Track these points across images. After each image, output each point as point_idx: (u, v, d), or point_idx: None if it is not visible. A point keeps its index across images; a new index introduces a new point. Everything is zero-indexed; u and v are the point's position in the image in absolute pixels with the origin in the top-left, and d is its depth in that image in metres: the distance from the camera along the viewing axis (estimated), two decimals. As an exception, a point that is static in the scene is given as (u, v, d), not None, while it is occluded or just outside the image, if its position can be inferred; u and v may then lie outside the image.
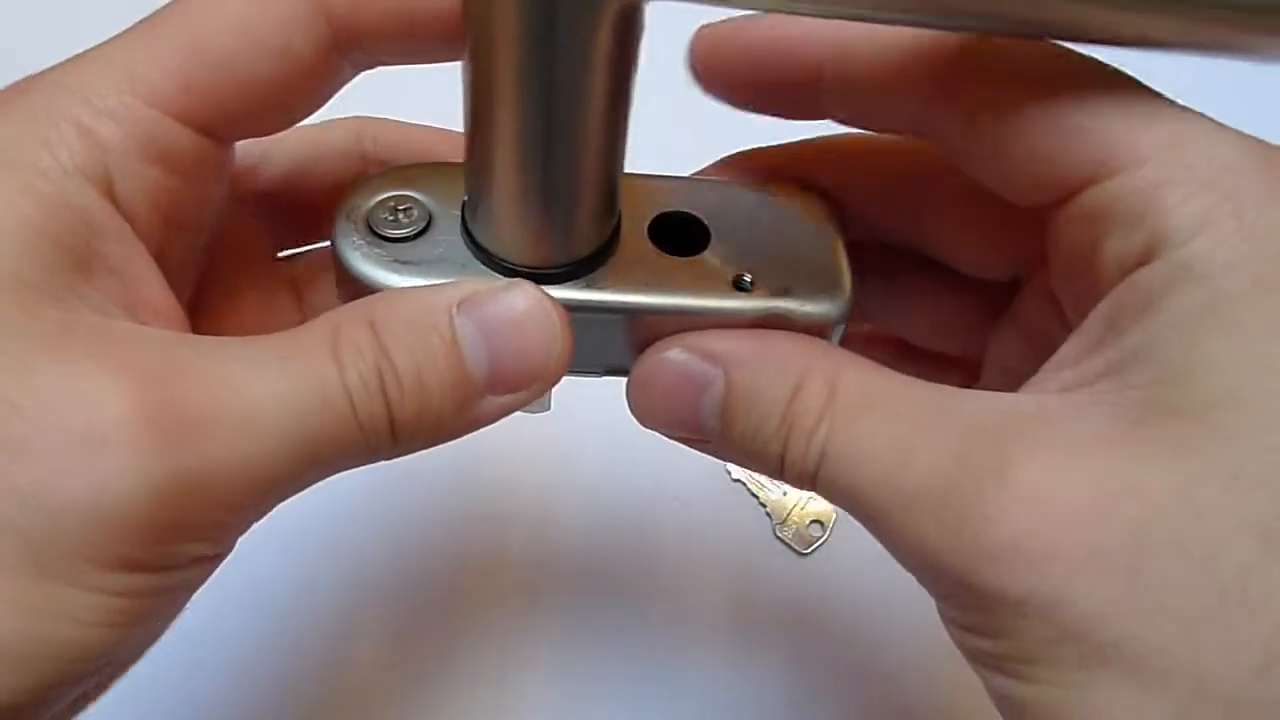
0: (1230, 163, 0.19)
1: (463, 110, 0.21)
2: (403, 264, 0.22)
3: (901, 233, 0.26)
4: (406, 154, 0.24)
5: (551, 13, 0.18)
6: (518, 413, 0.26)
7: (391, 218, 0.23)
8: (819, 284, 0.23)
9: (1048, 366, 0.21)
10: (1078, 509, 0.18)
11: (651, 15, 0.19)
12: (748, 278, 0.23)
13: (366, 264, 0.22)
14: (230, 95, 0.20)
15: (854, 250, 0.25)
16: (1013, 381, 0.22)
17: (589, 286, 0.22)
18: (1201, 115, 0.20)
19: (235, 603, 0.38)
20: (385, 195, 0.23)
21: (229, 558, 0.21)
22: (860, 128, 0.24)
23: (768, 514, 0.41)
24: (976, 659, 0.20)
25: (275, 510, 0.20)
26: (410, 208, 0.23)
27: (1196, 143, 0.19)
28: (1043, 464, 0.18)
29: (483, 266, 0.22)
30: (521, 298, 0.21)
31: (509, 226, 0.22)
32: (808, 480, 0.21)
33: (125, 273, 0.20)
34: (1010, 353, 0.26)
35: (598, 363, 0.24)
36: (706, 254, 0.23)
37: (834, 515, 0.40)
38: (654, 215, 0.24)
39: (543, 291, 0.21)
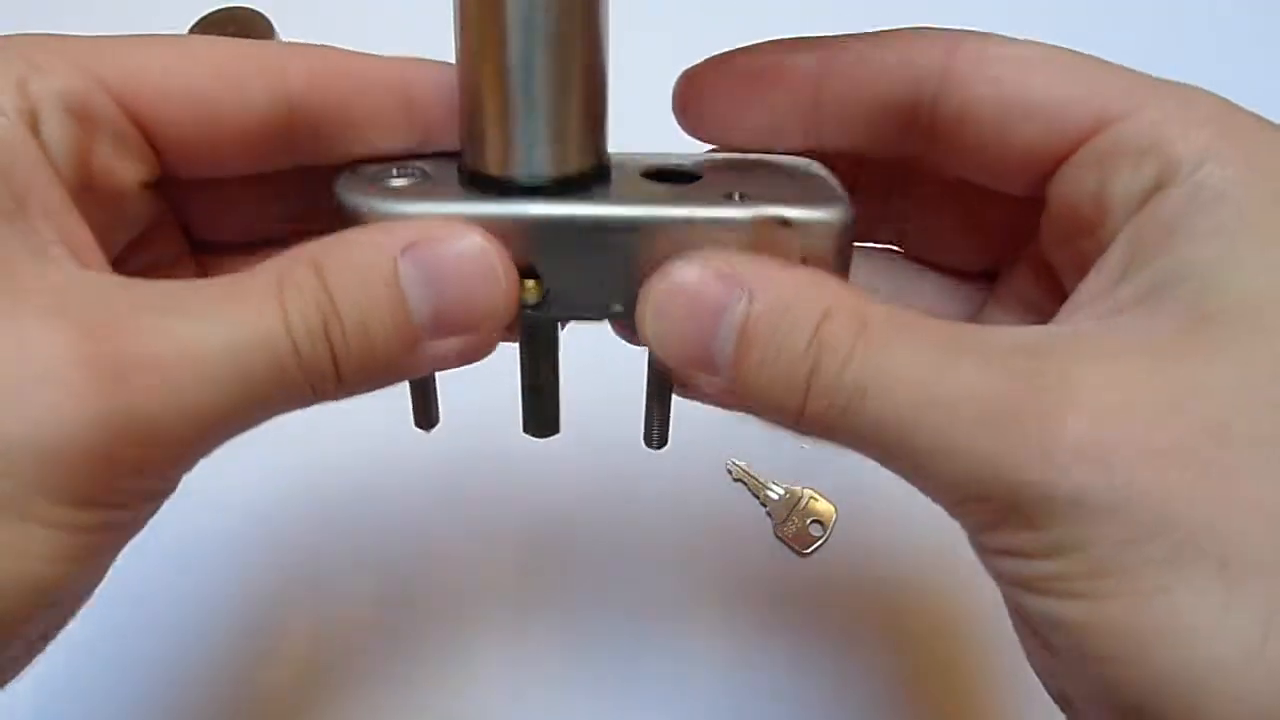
0: (1216, 106, 0.21)
1: (453, 21, 0.22)
2: (399, 195, 0.22)
3: (882, 235, 0.27)
4: (330, 76, 0.24)
5: None
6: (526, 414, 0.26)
7: (393, 173, 0.23)
8: (815, 198, 0.23)
9: (1068, 307, 0.21)
10: (1145, 408, 0.18)
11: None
12: (738, 195, 0.23)
13: (363, 197, 0.22)
14: (173, 107, 0.22)
15: None
16: (1030, 310, 0.23)
17: (583, 201, 0.22)
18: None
19: (237, 596, 0.38)
20: (386, 165, 0.24)
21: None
22: (854, 149, 0.24)
23: (768, 514, 0.41)
24: (1030, 587, 0.19)
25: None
26: (412, 171, 0.23)
27: (1183, 94, 0.21)
28: (1101, 370, 0.18)
29: (479, 193, 0.23)
30: (466, 241, 0.21)
31: (501, 134, 0.22)
32: (834, 415, 0.20)
33: (56, 213, 0.20)
34: (1024, 285, 0.26)
35: (596, 302, 0.23)
36: (699, 183, 0.23)
37: (834, 515, 0.41)
38: (646, 169, 0.24)
39: (488, 236, 0.21)
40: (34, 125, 0.20)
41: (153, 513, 0.21)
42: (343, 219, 0.23)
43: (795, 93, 0.23)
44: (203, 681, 0.37)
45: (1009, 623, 0.22)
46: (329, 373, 0.20)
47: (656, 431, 0.26)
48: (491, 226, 0.22)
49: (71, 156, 0.21)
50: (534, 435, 0.25)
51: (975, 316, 0.27)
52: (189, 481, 0.21)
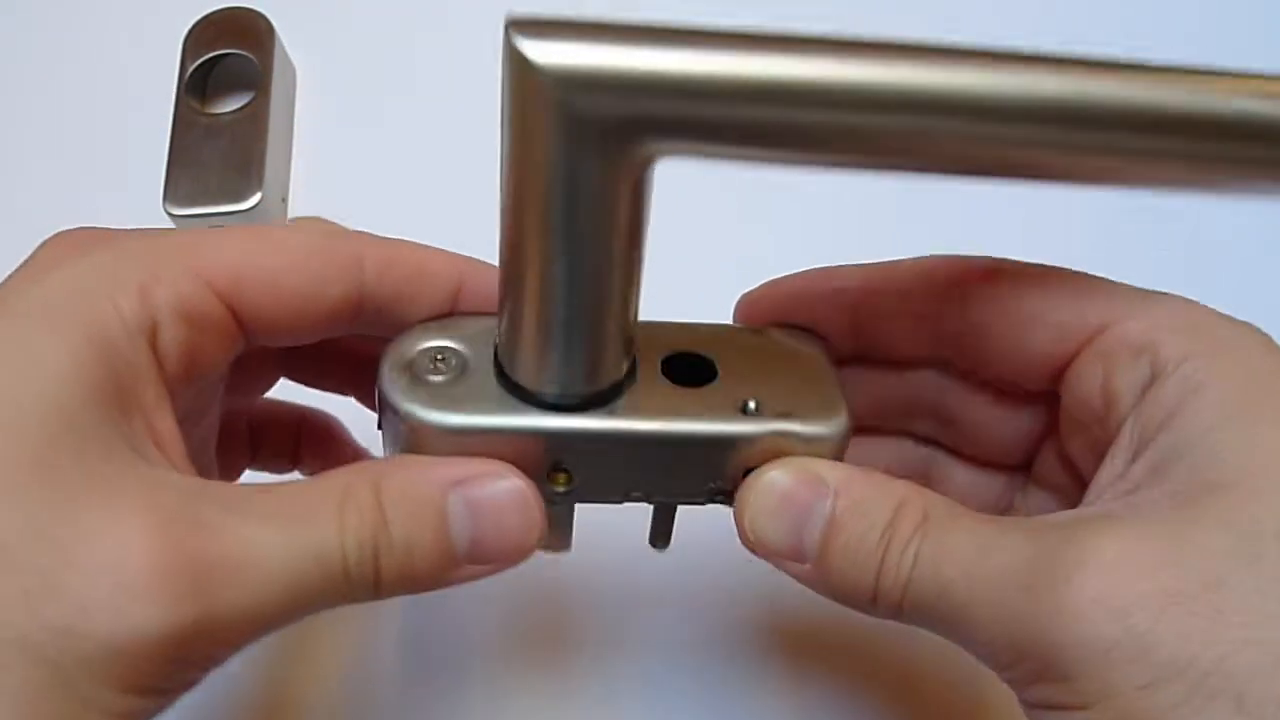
0: (1191, 312, 0.25)
1: (498, 257, 0.23)
2: (440, 400, 0.25)
3: (921, 429, 0.31)
4: (397, 271, 0.27)
5: (576, 175, 0.20)
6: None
7: (431, 366, 0.25)
8: (818, 409, 0.26)
9: (1092, 490, 0.25)
10: (1151, 566, 0.20)
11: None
12: (753, 404, 0.25)
13: (407, 401, 0.24)
14: (266, 300, 0.25)
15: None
16: (1058, 496, 0.28)
17: (609, 415, 0.25)
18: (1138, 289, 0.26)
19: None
20: (426, 345, 0.26)
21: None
22: (887, 360, 0.29)
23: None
24: None
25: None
26: (448, 357, 0.25)
27: (1163, 302, 0.25)
28: (1113, 538, 0.21)
29: (513, 400, 0.25)
30: (508, 485, 0.24)
31: (536, 361, 0.24)
32: (898, 591, 0.23)
33: (151, 412, 0.23)
34: (1053, 472, 0.29)
35: (617, 492, 0.26)
36: (715, 384, 0.26)
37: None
38: (666, 355, 0.26)
39: (526, 480, 0.24)
40: (153, 333, 0.23)
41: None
42: (383, 412, 0.25)
43: (839, 306, 0.28)
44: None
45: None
46: (369, 584, 0.23)
47: (661, 532, 0.29)
48: (522, 436, 0.24)
49: (182, 356, 0.24)
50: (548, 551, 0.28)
51: (1012, 504, 0.30)
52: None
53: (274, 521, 0.22)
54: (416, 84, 0.50)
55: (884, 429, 0.31)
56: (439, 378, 0.25)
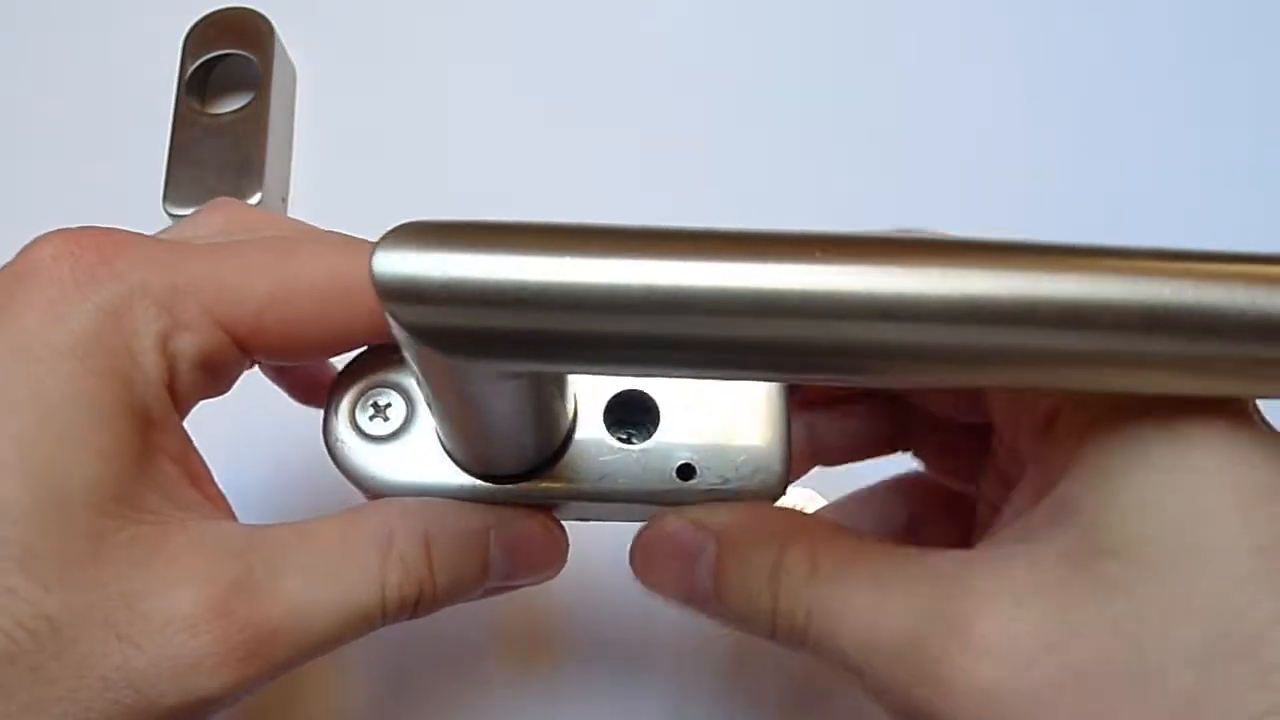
0: None
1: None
2: (387, 466, 0.25)
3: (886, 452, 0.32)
4: None
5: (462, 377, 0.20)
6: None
7: (374, 414, 0.26)
8: (756, 468, 0.25)
9: (1004, 515, 0.25)
10: (1029, 651, 0.20)
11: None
12: (693, 465, 0.25)
13: (354, 465, 0.25)
14: (286, 344, 0.24)
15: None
16: (997, 516, 0.27)
17: (549, 481, 0.25)
18: None
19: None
20: (369, 381, 0.26)
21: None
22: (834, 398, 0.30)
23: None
24: None
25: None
26: (390, 404, 0.26)
27: None
28: (994, 611, 0.21)
29: (454, 468, 0.25)
30: (540, 526, 0.26)
31: (466, 459, 0.25)
32: (799, 641, 0.23)
33: (178, 455, 0.24)
34: (993, 492, 0.29)
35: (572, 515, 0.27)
36: (656, 440, 0.26)
37: (836, 518, 0.41)
38: (611, 397, 0.26)
39: (554, 518, 0.26)
40: (171, 379, 0.23)
41: None
42: (327, 446, 0.25)
43: None
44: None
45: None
46: (405, 617, 0.24)
47: None
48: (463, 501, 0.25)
49: (195, 394, 0.24)
50: None
51: (979, 471, 0.30)
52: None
53: (319, 579, 0.23)
54: (416, 84, 0.50)
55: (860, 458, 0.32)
56: (381, 430, 0.25)
